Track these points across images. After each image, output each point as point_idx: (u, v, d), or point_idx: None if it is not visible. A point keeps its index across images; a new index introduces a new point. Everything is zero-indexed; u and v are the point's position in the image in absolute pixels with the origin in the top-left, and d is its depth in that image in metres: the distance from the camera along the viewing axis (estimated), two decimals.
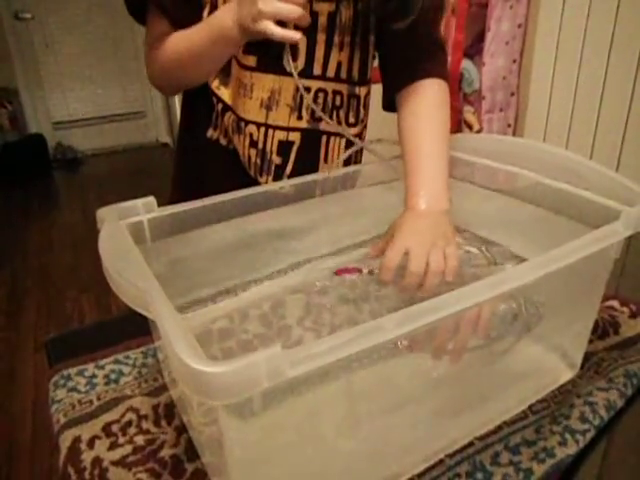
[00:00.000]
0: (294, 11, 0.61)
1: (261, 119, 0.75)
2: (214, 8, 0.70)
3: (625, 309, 0.71)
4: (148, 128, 4.53)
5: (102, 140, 4.38)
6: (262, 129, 0.76)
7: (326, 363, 0.33)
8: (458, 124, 1.82)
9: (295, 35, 0.63)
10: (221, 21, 0.66)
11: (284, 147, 0.78)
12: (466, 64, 1.73)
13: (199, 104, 0.79)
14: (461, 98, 1.79)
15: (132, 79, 4.28)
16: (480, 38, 1.71)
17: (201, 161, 0.84)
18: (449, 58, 1.76)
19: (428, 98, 0.72)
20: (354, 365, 0.42)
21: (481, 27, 1.70)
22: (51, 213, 3.42)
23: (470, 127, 1.78)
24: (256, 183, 0.79)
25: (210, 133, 0.80)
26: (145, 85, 4.26)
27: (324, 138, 0.79)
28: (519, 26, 1.71)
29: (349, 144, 0.81)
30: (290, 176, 0.79)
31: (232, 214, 0.63)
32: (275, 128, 0.76)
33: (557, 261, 0.44)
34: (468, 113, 1.78)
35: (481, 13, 1.68)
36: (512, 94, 1.78)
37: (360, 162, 0.91)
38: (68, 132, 4.24)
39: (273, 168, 0.79)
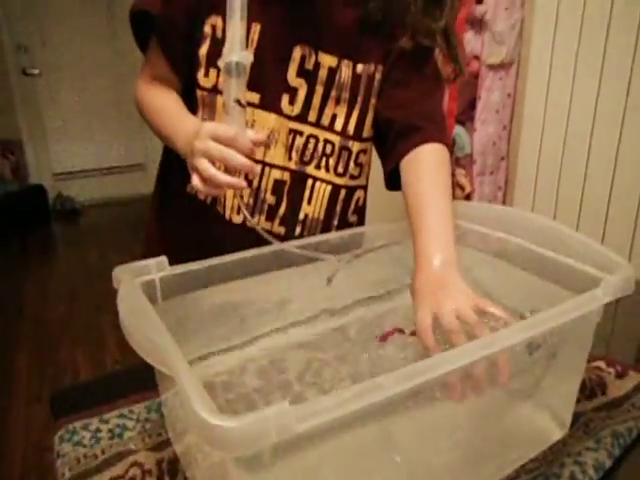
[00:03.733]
0: (233, 159, 0.60)
1: (258, 157, 0.77)
2: (214, 44, 0.73)
3: (611, 370, 0.74)
4: (147, 180, 4.58)
5: (101, 191, 4.43)
6: (258, 167, 0.77)
7: (331, 419, 0.36)
8: (451, 186, 1.89)
9: (239, 183, 0.62)
10: (177, 138, 0.70)
11: (279, 186, 0.80)
12: (458, 130, 1.83)
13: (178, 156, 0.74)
14: (453, 162, 1.87)
15: (133, 132, 4.36)
16: (471, 106, 1.81)
17: (179, 217, 0.86)
18: None
19: (430, 162, 0.75)
20: (356, 422, 0.44)
21: (472, 96, 1.80)
22: (49, 263, 3.43)
23: (462, 189, 1.86)
24: (235, 234, 0.80)
25: (190, 188, 0.80)
26: (146, 138, 4.37)
27: (310, 181, 0.82)
28: (508, 95, 1.81)
29: (334, 191, 0.83)
30: (283, 217, 0.81)
31: (237, 274, 0.67)
32: (272, 167, 0.79)
33: (542, 324, 0.47)
34: (460, 175, 1.86)
35: (472, 83, 1.79)
36: (502, 159, 1.87)
37: (364, 215, 0.95)
38: (69, 183, 4.31)
39: (266, 208, 0.81)
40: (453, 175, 1.88)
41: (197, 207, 0.82)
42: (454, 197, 0.75)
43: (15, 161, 4.00)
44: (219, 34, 0.74)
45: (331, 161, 0.82)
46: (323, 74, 0.77)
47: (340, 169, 0.83)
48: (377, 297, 0.83)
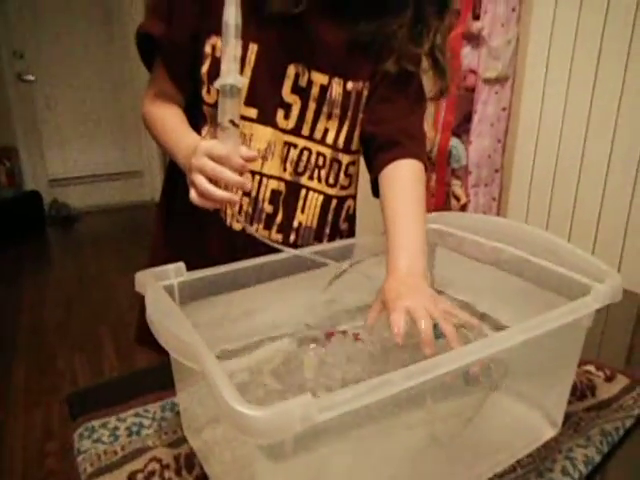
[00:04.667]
0: (225, 176, 0.65)
1: (256, 168, 0.82)
2: (214, 63, 0.77)
3: (601, 373, 0.78)
4: (144, 188, 4.61)
5: (97, 198, 4.43)
6: (257, 177, 0.83)
7: (348, 410, 0.40)
8: (446, 196, 1.94)
9: (232, 198, 0.67)
10: (178, 153, 0.75)
11: (275, 196, 0.85)
12: (454, 142, 1.88)
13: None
14: (449, 173, 1.92)
15: (131, 139, 4.39)
16: (468, 119, 1.86)
17: (183, 224, 0.90)
18: (439, 136, 1.90)
19: (405, 177, 0.79)
20: (360, 422, 0.48)
21: (469, 109, 1.85)
22: (44, 270, 3.44)
23: (458, 199, 1.90)
24: (237, 239, 0.84)
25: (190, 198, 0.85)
26: (143, 145, 4.40)
27: (303, 191, 0.87)
28: (503, 109, 1.87)
29: (326, 200, 0.88)
30: (280, 225, 0.86)
31: (248, 280, 0.71)
32: (269, 177, 0.84)
33: (535, 329, 0.52)
34: (456, 186, 1.91)
35: (469, 97, 1.84)
36: (496, 171, 1.92)
37: (354, 222, 0.98)
38: (64, 189, 4.30)
39: (264, 216, 0.86)
40: (449, 185, 1.93)
41: (201, 215, 0.86)
42: (450, 208, 0.80)
43: (10, 167, 4.00)
44: (218, 54, 0.78)
45: (323, 172, 0.87)
46: (315, 91, 0.82)
47: (331, 180, 0.88)
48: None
